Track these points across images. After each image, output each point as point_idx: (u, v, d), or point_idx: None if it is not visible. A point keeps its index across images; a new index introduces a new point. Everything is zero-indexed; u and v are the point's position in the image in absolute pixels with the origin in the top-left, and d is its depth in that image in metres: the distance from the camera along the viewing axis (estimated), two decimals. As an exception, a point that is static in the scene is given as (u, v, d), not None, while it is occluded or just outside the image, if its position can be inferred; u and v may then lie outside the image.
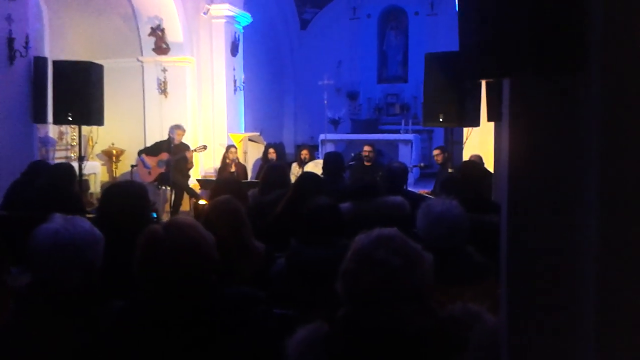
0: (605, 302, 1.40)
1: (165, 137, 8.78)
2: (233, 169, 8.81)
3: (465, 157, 7.35)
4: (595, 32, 1.24)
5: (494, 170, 5.54)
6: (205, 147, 8.86)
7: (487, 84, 5.15)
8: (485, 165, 6.97)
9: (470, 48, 1.28)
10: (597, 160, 1.36)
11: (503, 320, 1.67)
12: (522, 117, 1.50)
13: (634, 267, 1.37)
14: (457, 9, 1.45)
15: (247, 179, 8.72)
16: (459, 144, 7.73)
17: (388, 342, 1.51)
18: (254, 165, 10.00)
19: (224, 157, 8.99)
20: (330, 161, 5.33)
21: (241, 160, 9.33)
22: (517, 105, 1.50)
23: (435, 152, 8.21)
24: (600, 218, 1.38)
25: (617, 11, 1.25)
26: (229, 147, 9.19)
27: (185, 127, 8.88)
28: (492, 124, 5.32)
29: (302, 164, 8.82)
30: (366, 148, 8.26)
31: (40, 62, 6.64)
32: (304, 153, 9.06)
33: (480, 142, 7.22)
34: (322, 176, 5.18)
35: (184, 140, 8.99)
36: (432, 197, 5.89)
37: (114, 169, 10.51)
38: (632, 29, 1.23)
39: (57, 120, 6.65)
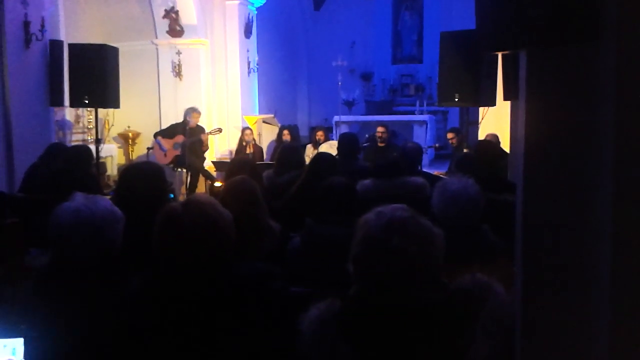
0: (620, 278, 1.40)
1: (180, 120, 8.82)
2: (249, 150, 8.84)
3: (481, 137, 7.29)
4: (610, 1, 1.23)
5: (510, 149, 5.50)
6: (220, 130, 8.89)
7: (503, 62, 5.10)
8: (502, 145, 6.92)
9: (487, 21, 1.27)
10: (613, 136, 1.35)
11: (517, 296, 1.68)
12: (539, 92, 1.49)
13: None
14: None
15: (263, 160, 8.75)
16: (474, 124, 7.67)
17: (399, 318, 1.52)
18: (268, 147, 10.02)
19: (240, 139, 9.02)
20: (345, 142, 5.32)
21: (256, 142, 9.35)
22: (534, 80, 1.49)
23: (450, 135, 8.14)
24: (615, 195, 1.38)
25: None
26: (244, 129, 9.21)
27: (200, 110, 8.90)
28: (508, 103, 5.27)
29: (316, 145, 8.82)
30: (379, 129, 8.22)
31: (56, 45, 6.68)
32: (319, 134, 9.06)
33: (496, 121, 7.15)
34: (336, 157, 5.18)
35: (199, 122, 9.02)
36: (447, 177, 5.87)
37: (130, 152, 10.59)
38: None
39: (74, 104, 6.71)
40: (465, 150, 6.37)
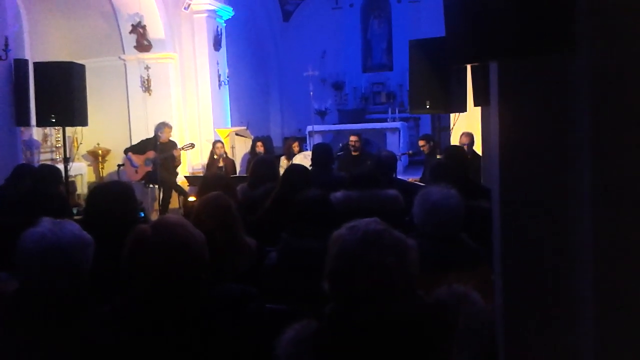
0: (601, 281, 1.39)
1: (151, 135, 8.70)
2: (221, 164, 8.76)
3: (454, 141, 7.35)
4: (583, 10, 1.23)
5: (482, 154, 5.55)
6: (193, 145, 8.80)
7: (472, 68, 5.14)
8: (475, 146, 6.98)
9: (456, 32, 1.26)
10: (588, 141, 1.35)
11: (499, 306, 1.66)
12: (511, 98, 1.49)
13: (628, 243, 1.36)
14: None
15: (235, 173, 8.68)
16: (446, 130, 7.72)
17: (377, 334, 1.49)
18: (242, 159, 9.95)
19: (212, 153, 8.94)
20: (319, 153, 5.30)
21: (229, 155, 9.28)
22: (505, 86, 1.48)
23: (421, 142, 8.16)
24: (592, 197, 1.37)
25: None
26: (215, 142, 9.14)
27: (171, 124, 8.79)
28: (478, 108, 5.31)
29: (290, 156, 8.79)
30: (352, 138, 8.21)
31: (21, 64, 6.56)
32: (294, 145, 9.03)
33: (467, 127, 7.22)
34: (310, 168, 5.15)
35: (171, 137, 8.91)
36: (422, 184, 5.89)
37: (100, 169, 10.41)
38: (619, 6, 1.21)
39: (41, 123, 6.56)
40: (438, 157, 6.40)
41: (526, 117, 1.51)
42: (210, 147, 9.22)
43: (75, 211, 4.97)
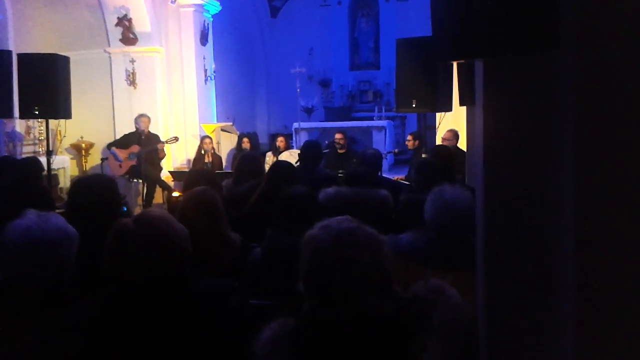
0: (584, 277, 1.40)
1: (135, 129, 8.64)
2: (208, 159, 8.72)
3: (439, 141, 7.38)
4: (568, 9, 1.24)
5: (467, 154, 5.58)
6: (177, 139, 8.75)
7: (458, 68, 5.17)
8: (459, 144, 7.02)
9: (443, 30, 1.26)
10: (572, 139, 1.36)
11: (481, 305, 1.68)
12: (496, 98, 1.50)
13: (609, 240, 1.38)
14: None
15: (222, 169, 8.64)
16: (432, 129, 7.75)
17: (353, 332, 1.49)
18: (228, 155, 9.92)
19: (199, 148, 8.90)
20: (307, 150, 5.28)
21: (215, 151, 9.24)
22: (490, 86, 1.49)
23: (408, 137, 8.22)
24: (576, 195, 1.39)
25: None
26: (203, 137, 9.09)
27: (150, 116, 8.70)
28: (464, 108, 5.34)
29: (277, 153, 8.77)
30: (338, 136, 8.19)
31: (5, 55, 6.45)
32: (280, 141, 9.01)
33: (453, 126, 7.25)
34: (296, 165, 5.15)
35: (155, 130, 8.84)
36: (407, 182, 5.91)
37: (83, 163, 10.32)
38: (604, 5, 1.22)
39: (24, 115, 6.48)
40: (423, 156, 6.43)
41: (510, 116, 1.51)
42: (196, 142, 9.17)
43: (57, 205, 4.91)
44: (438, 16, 1.27)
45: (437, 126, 6.95)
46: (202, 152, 8.78)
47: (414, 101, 5.40)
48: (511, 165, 1.54)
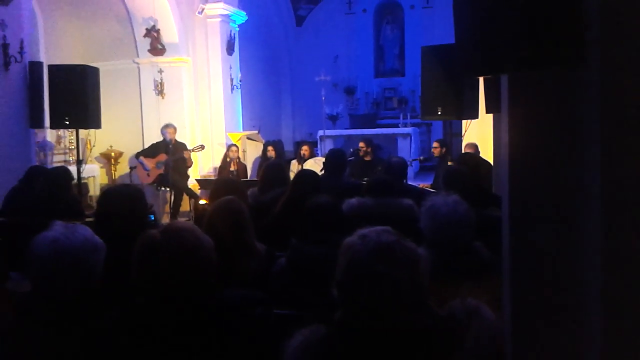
0: (611, 292, 1.38)
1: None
2: (233, 167, 8.78)
3: (464, 149, 7.33)
4: (594, 25, 1.22)
5: (494, 162, 5.52)
6: (203, 147, 8.84)
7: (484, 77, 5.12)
8: (481, 154, 6.96)
9: (466, 45, 1.25)
10: (597, 149, 1.34)
11: (507, 315, 1.66)
12: (521, 108, 1.48)
13: (637, 255, 1.35)
14: (452, 2, 1.42)
15: (246, 177, 8.69)
16: (457, 136, 7.70)
17: (385, 344, 1.48)
18: (254, 163, 9.97)
19: (225, 156, 8.97)
20: (332, 158, 5.28)
21: (241, 159, 9.30)
22: (515, 96, 1.48)
23: (435, 144, 8.18)
24: (603, 207, 1.36)
25: (615, 3, 1.23)
26: (230, 146, 9.16)
27: (175, 125, 8.82)
28: (490, 115, 5.29)
29: (301, 161, 8.79)
30: (361, 144, 8.12)
31: (36, 67, 6.61)
32: (304, 149, 9.02)
33: (479, 134, 7.20)
34: (321, 173, 5.15)
35: (182, 139, 8.94)
36: (433, 190, 5.87)
37: (112, 172, 10.48)
38: (630, 21, 1.21)
39: (54, 125, 6.63)
40: (449, 163, 6.39)
41: (536, 125, 1.50)
42: (222, 150, 9.24)
43: (87, 214, 5.00)
44: (460, 31, 1.26)
45: (463, 133, 6.90)
46: (228, 159, 8.85)
47: (439, 109, 5.37)
48: (537, 174, 1.53)
